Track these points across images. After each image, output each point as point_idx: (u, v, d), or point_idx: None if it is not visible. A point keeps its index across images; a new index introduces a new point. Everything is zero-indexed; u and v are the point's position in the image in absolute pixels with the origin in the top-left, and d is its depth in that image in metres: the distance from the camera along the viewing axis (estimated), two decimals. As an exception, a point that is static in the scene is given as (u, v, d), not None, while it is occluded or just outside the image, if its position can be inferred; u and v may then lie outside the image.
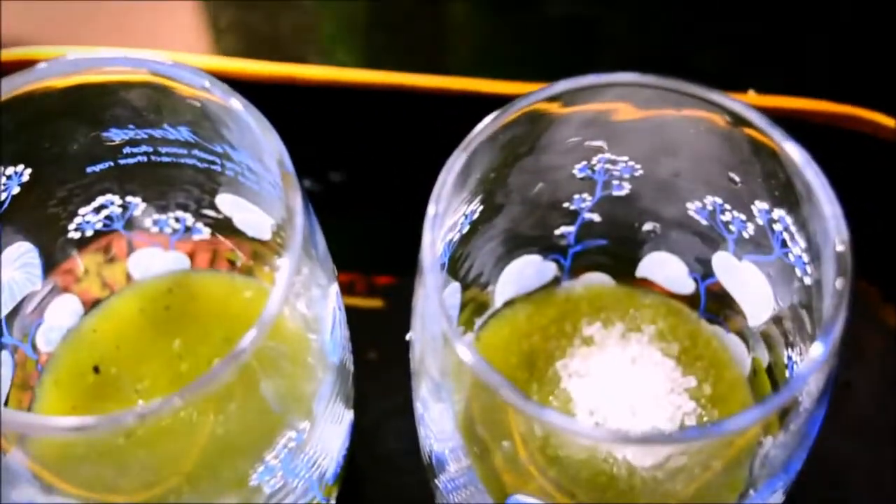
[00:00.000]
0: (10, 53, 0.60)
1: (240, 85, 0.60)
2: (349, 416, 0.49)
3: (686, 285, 0.52)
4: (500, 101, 0.59)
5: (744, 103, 0.43)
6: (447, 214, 0.43)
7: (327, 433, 0.47)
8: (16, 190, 0.47)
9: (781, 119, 0.49)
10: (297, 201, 0.42)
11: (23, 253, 0.50)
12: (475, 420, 0.43)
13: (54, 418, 0.41)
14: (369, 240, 0.62)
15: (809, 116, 0.58)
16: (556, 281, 0.53)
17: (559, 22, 0.65)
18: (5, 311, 0.50)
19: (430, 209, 0.42)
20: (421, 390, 0.45)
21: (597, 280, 0.53)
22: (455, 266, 0.48)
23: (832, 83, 0.60)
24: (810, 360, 0.39)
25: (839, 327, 0.40)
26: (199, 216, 0.52)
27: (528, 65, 0.65)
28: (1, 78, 0.60)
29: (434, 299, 0.41)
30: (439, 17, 0.68)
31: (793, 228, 0.44)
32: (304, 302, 0.43)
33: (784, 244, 0.45)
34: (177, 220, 0.52)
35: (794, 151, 0.43)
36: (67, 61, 0.44)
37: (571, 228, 0.51)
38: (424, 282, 0.42)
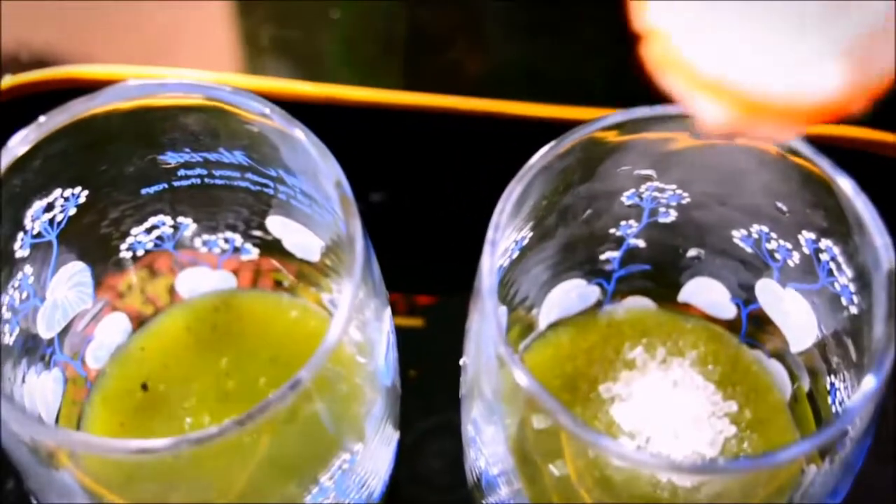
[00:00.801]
0: (56, 72, 0.61)
1: (280, 104, 0.61)
2: (396, 436, 0.50)
3: (728, 310, 0.53)
4: (538, 125, 0.60)
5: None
6: (502, 241, 0.44)
7: (377, 454, 0.48)
8: (72, 211, 0.48)
9: (823, 147, 0.50)
10: (357, 227, 0.43)
11: (76, 272, 0.50)
12: (528, 443, 0.44)
13: (114, 440, 0.42)
14: (410, 260, 0.62)
15: (848, 143, 0.58)
16: (598, 304, 0.54)
17: (601, 46, 0.66)
18: (58, 330, 0.51)
19: (489, 236, 0.43)
20: (473, 413, 0.46)
21: (639, 304, 0.54)
22: (503, 290, 0.49)
23: (874, 110, 0.61)
24: (862, 392, 0.40)
25: (891, 359, 0.40)
26: (247, 237, 0.53)
27: (567, 88, 0.65)
28: (43, 95, 0.61)
29: (491, 323, 0.42)
30: (476, 38, 0.69)
31: (840, 258, 0.45)
32: (360, 326, 0.43)
33: (830, 273, 0.46)
34: (226, 240, 0.53)
35: (843, 182, 0.43)
36: (128, 87, 0.45)
37: (616, 254, 0.52)
38: (482, 306, 0.42)
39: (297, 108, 0.61)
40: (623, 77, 0.66)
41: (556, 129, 0.59)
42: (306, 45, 0.68)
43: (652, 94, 0.60)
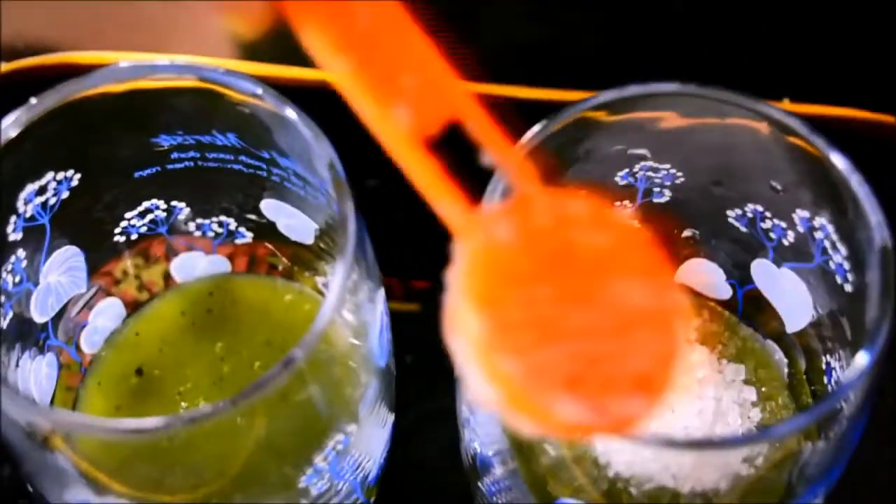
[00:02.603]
0: (50, 58, 0.61)
1: (276, 89, 0.61)
2: (391, 418, 0.50)
3: (724, 291, 0.53)
4: (533, 106, 0.60)
5: (787, 112, 0.44)
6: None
7: (372, 436, 0.47)
8: (65, 195, 0.48)
9: (817, 127, 0.50)
10: (350, 208, 0.42)
11: (69, 257, 0.50)
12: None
13: (109, 420, 0.42)
14: (406, 244, 0.62)
15: (845, 124, 0.58)
16: (594, 286, 0.54)
17: (595, 28, 0.66)
18: (51, 314, 0.50)
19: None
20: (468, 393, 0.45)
21: (635, 285, 0.54)
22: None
23: (868, 91, 0.61)
24: (855, 368, 0.40)
25: (884, 336, 0.40)
26: (242, 220, 0.53)
27: (564, 70, 0.65)
28: (38, 81, 0.60)
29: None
30: (476, 20, 0.69)
31: (834, 236, 0.45)
32: (353, 307, 0.43)
33: (825, 251, 0.46)
34: (220, 224, 0.53)
35: (838, 160, 0.43)
36: (119, 69, 0.44)
37: (611, 234, 0.51)
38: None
39: (292, 93, 0.61)
40: (615, 56, 0.66)
41: (554, 109, 0.59)
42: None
43: (644, 72, 0.60)
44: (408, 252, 0.62)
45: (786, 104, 0.59)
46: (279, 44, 0.66)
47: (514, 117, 0.59)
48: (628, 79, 0.60)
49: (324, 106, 0.61)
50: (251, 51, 0.66)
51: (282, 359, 0.39)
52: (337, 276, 0.41)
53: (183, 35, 0.67)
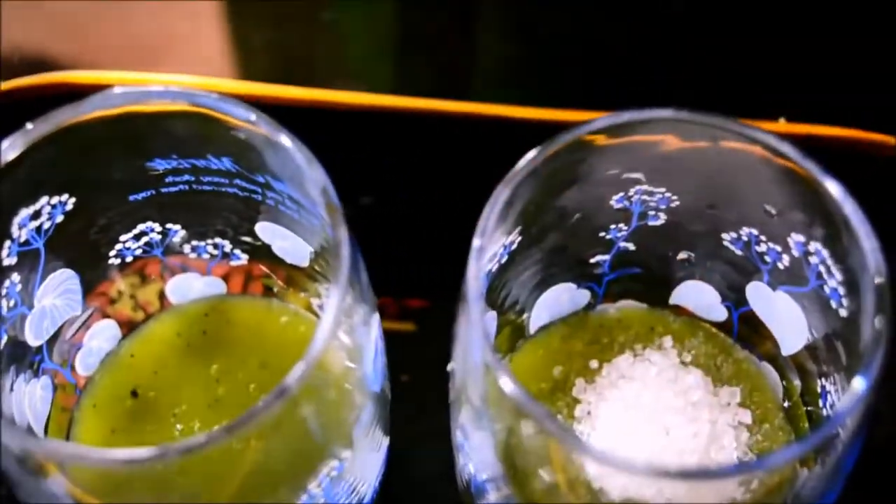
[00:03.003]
0: (47, 77, 0.61)
1: (271, 109, 0.61)
2: (386, 441, 0.50)
3: (719, 313, 0.53)
4: (528, 127, 0.60)
5: (781, 137, 0.44)
6: (489, 246, 0.43)
7: (367, 460, 0.47)
8: (59, 218, 0.48)
9: (812, 147, 0.50)
10: (343, 234, 0.42)
11: (64, 280, 0.50)
12: (516, 449, 0.44)
13: (102, 451, 0.41)
14: (400, 263, 0.62)
15: (840, 144, 0.58)
16: (589, 307, 0.54)
17: (590, 50, 0.66)
18: (46, 337, 0.50)
19: (475, 242, 0.42)
20: (461, 418, 0.45)
21: (630, 306, 0.54)
22: (492, 294, 0.49)
23: (864, 111, 0.61)
24: (851, 395, 0.40)
25: (879, 363, 0.40)
26: (237, 243, 0.53)
27: (559, 89, 0.65)
28: (35, 100, 0.60)
29: (478, 330, 0.42)
30: (469, 39, 0.69)
31: (829, 262, 0.45)
32: (347, 332, 0.43)
33: (819, 276, 0.46)
34: (215, 246, 0.53)
35: (831, 186, 0.43)
36: (114, 94, 0.44)
37: (606, 257, 0.51)
38: (468, 312, 0.42)
39: (287, 113, 0.61)
40: (613, 79, 0.66)
41: (548, 130, 0.59)
42: (298, 47, 0.67)
43: (641, 96, 0.60)
44: (403, 271, 0.62)
45: (781, 124, 0.59)
46: (274, 63, 0.66)
47: (509, 137, 0.59)
48: (625, 100, 0.60)
49: (318, 125, 0.62)
50: (246, 70, 0.66)
51: (275, 387, 0.39)
52: (331, 302, 0.41)
53: (178, 51, 0.67)
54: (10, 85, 0.60)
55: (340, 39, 0.67)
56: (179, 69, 0.66)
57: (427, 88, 0.64)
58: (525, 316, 0.52)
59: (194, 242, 0.53)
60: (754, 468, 0.39)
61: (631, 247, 0.51)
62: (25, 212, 0.46)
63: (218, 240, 0.53)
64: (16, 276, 0.47)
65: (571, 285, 0.52)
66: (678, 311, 0.54)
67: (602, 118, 0.44)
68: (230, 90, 0.60)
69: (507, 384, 0.40)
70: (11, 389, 0.48)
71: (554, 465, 0.43)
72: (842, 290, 0.45)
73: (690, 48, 0.65)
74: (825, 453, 0.41)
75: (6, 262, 0.46)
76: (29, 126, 0.44)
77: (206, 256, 0.53)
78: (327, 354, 0.42)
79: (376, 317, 0.46)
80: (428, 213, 0.63)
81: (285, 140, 0.44)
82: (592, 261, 0.52)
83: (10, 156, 0.44)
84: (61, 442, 0.50)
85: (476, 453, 0.45)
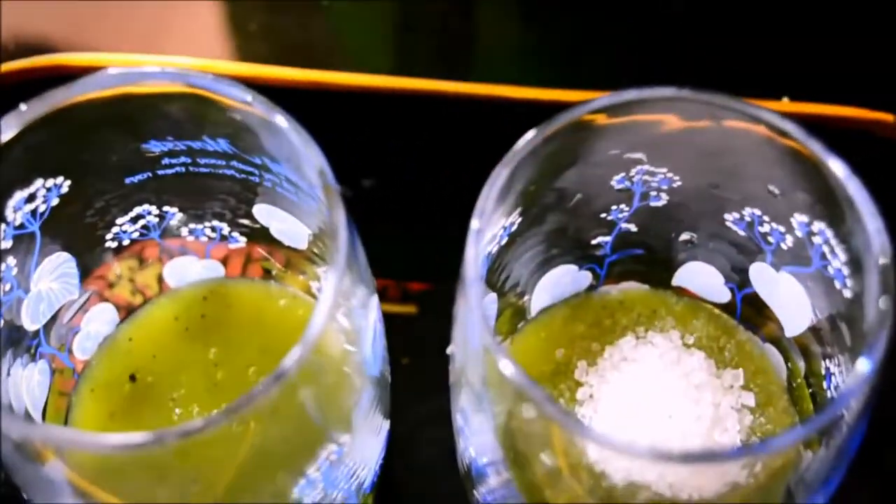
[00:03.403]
0: (42, 60, 0.60)
1: (270, 91, 0.60)
2: (386, 425, 0.50)
3: (722, 294, 0.52)
4: (528, 108, 0.60)
5: (784, 116, 0.43)
6: (488, 228, 0.43)
7: (366, 444, 0.47)
8: (55, 202, 0.47)
9: (816, 126, 0.49)
10: (341, 216, 0.42)
11: (60, 263, 0.50)
12: (516, 432, 0.43)
13: (99, 435, 0.41)
14: (402, 246, 0.62)
15: (844, 123, 0.58)
16: (591, 289, 0.54)
17: (592, 29, 0.65)
18: (43, 321, 0.50)
19: (474, 224, 0.42)
20: (461, 402, 0.45)
21: (633, 287, 0.53)
22: (492, 276, 0.49)
23: (867, 90, 0.60)
24: (855, 377, 0.39)
25: (883, 344, 0.40)
26: (235, 225, 0.52)
27: (559, 70, 0.64)
28: (30, 82, 0.60)
29: (476, 313, 0.41)
30: (469, 21, 0.68)
31: (833, 241, 0.44)
32: (345, 316, 0.43)
33: (823, 256, 0.45)
34: (213, 229, 0.52)
35: (835, 165, 0.43)
36: (108, 75, 0.44)
37: (608, 238, 0.51)
38: (467, 295, 0.42)
39: (287, 95, 0.60)
40: (615, 58, 0.65)
41: (550, 111, 0.59)
42: (296, 30, 0.67)
43: (643, 74, 0.60)
44: (404, 253, 0.62)
45: (784, 103, 0.59)
46: (272, 44, 0.66)
47: (510, 118, 0.59)
48: (626, 79, 0.59)
49: (318, 106, 0.61)
50: (244, 54, 0.66)
51: (273, 371, 0.39)
52: (328, 286, 0.41)
53: (175, 34, 0.66)
54: (4, 68, 0.60)
55: (339, 22, 0.67)
56: (176, 53, 0.65)
57: (427, 70, 0.63)
58: (526, 298, 0.52)
59: (192, 225, 0.52)
60: (757, 451, 0.39)
61: (633, 228, 0.51)
62: (20, 195, 0.46)
63: (216, 222, 0.52)
64: (11, 260, 0.47)
65: (573, 267, 0.52)
66: (681, 292, 0.53)
67: (602, 97, 0.43)
68: (227, 72, 0.60)
69: (506, 367, 0.40)
70: (9, 374, 0.48)
71: (555, 449, 0.43)
72: (846, 271, 0.44)
73: (692, 26, 0.64)
74: (829, 436, 0.41)
75: (1, 246, 0.46)
76: (23, 107, 0.44)
77: (203, 239, 0.53)
78: (325, 338, 0.41)
79: (375, 299, 0.46)
80: (429, 195, 0.63)
81: (281, 121, 0.43)
82: (594, 242, 0.51)
83: (4, 138, 0.43)
84: (58, 427, 0.50)
85: (476, 437, 0.44)
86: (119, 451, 0.39)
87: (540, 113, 0.58)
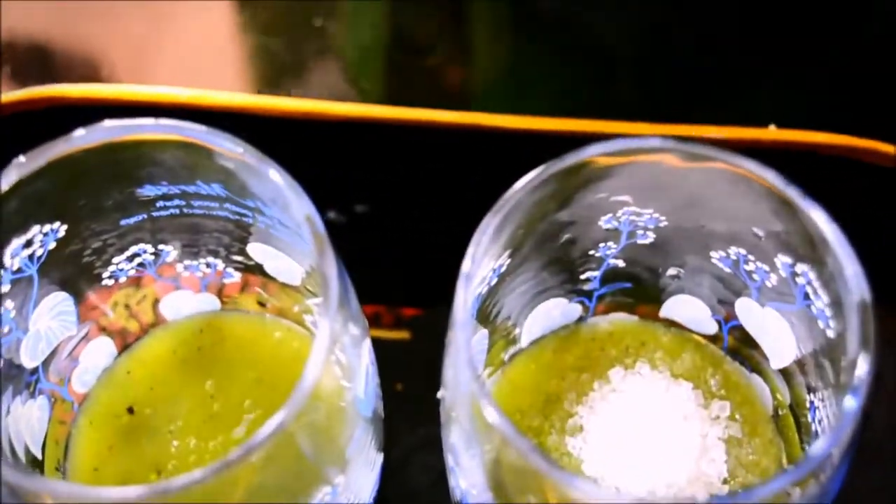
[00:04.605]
0: (39, 91, 0.61)
1: (264, 120, 0.61)
2: (380, 458, 0.50)
3: (709, 326, 0.53)
4: (521, 136, 0.61)
5: (764, 165, 0.44)
6: (478, 272, 0.44)
7: (360, 481, 0.48)
8: (52, 245, 0.48)
9: (801, 153, 0.50)
10: (332, 266, 0.43)
11: (58, 302, 0.51)
12: (504, 475, 0.44)
13: (93, 489, 0.42)
14: (394, 271, 0.62)
15: (829, 150, 0.58)
16: (580, 320, 0.54)
17: (581, 53, 0.66)
18: (42, 359, 0.51)
19: (464, 268, 0.43)
20: (451, 440, 0.46)
21: (621, 318, 0.54)
22: (484, 310, 0.49)
23: (852, 117, 0.61)
24: (841, 420, 0.40)
25: (865, 388, 0.41)
26: (229, 262, 0.53)
27: (545, 95, 0.65)
28: (26, 113, 0.61)
29: (464, 356, 0.42)
30: (461, 45, 0.69)
31: (815, 283, 0.45)
32: (339, 360, 0.44)
33: (807, 296, 0.46)
34: (208, 265, 0.53)
35: (814, 212, 0.43)
36: (105, 128, 0.45)
37: (596, 273, 0.52)
38: (456, 339, 0.43)
39: (279, 122, 0.61)
40: (607, 85, 0.66)
41: (540, 140, 0.60)
42: (289, 52, 0.68)
43: (631, 102, 0.60)
44: (397, 279, 0.62)
45: (771, 130, 0.59)
46: (266, 69, 0.67)
47: (501, 146, 0.59)
48: (616, 106, 0.60)
49: (310, 134, 0.62)
50: (237, 75, 0.67)
51: (267, 422, 0.40)
52: (321, 333, 0.42)
53: (171, 55, 0.67)
54: (5, 99, 0.60)
55: (332, 45, 0.67)
56: (171, 73, 0.66)
57: (419, 94, 0.64)
58: (517, 330, 0.53)
59: (187, 262, 0.53)
60: (745, 500, 0.40)
61: (621, 263, 0.51)
62: (17, 241, 0.46)
63: (210, 259, 0.53)
64: (9, 303, 0.48)
65: (563, 300, 0.53)
66: (668, 324, 0.54)
67: (591, 147, 0.44)
68: (223, 103, 0.60)
69: (492, 416, 0.41)
70: (8, 412, 0.49)
71: (543, 494, 0.43)
72: (829, 312, 0.45)
73: (682, 54, 0.65)
74: (817, 474, 0.42)
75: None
76: (21, 159, 0.44)
77: (199, 275, 0.54)
78: (320, 384, 0.42)
79: (367, 343, 0.47)
80: (422, 220, 0.64)
81: (272, 173, 0.44)
82: (583, 277, 0.52)
83: (2, 188, 0.44)
84: (50, 480, 0.50)
85: (466, 476, 0.45)
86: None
87: (531, 142, 0.59)
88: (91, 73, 0.66)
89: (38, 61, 0.67)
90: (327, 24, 0.67)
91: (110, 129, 0.45)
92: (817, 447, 0.40)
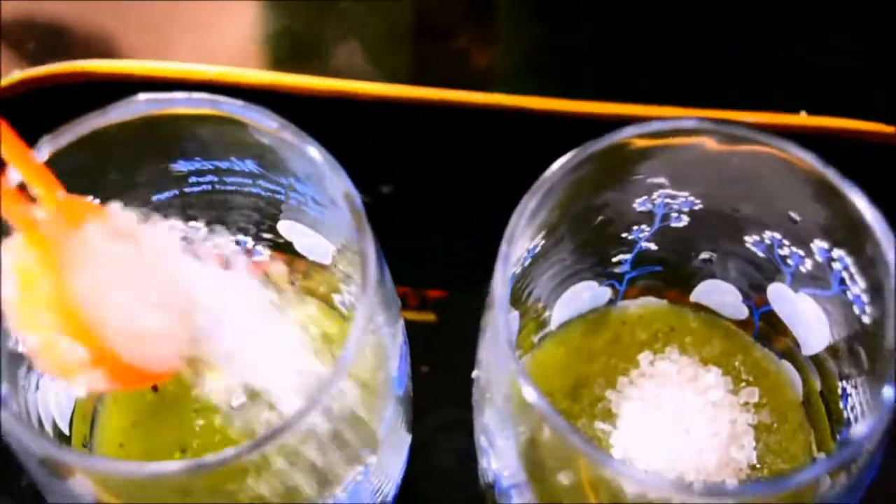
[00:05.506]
0: (63, 67, 0.61)
1: (290, 98, 0.61)
2: (409, 439, 0.50)
3: (740, 311, 0.53)
4: (547, 118, 0.60)
5: (805, 149, 0.44)
6: (514, 252, 0.44)
7: (391, 461, 0.48)
8: (83, 220, 0.47)
9: (833, 140, 0.50)
10: (370, 244, 0.42)
11: (88, 277, 0.50)
12: (540, 456, 0.44)
13: (128, 464, 0.42)
14: (421, 253, 0.62)
15: (861, 137, 0.58)
16: (610, 303, 0.54)
17: (612, 37, 0.66)
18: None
19: (502, 248, 0.43)
20: (485, 421, 0.46)
21: (651, 302, 0.54)
22: (516, 293, 0.49)
23: (885, 104, 0.60)
24: (880, 408, 0.40)
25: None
26: (259, 239, 0.53)
27: (574, 78, 0.65)
28: (51, 89, 0.60)
29: (503, 336, 0.42)
30: (488, 27, 0.68)
31: (853, 269, 0.45)
32: (374, 340, 0.43)
33: (843, 282, 0.46)
34: (237, 242, 0.53)
35: (855, 195, 0.43)
36: (139, 102, 0.44)
37: (628, 256, 0.52)
38: (494, 319, 0.42)
39: (304, 101, 0.61)
40: (634, 69, 0.66)
41: (567, 122, 0.59)
42: (314, 33, 0.67)
43: (662, 86, 0.60)
44: (423, 260, 0.62)
45: (802, 117, 0.59)
46: (291, 49, 0.66)
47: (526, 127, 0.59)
48: (645, 90, 0.60)
49: (337, 113, 0.62)
50: (262, 56, 0.66)
51: (301, 406, 0.40)
52: (360, 311, 0.41)
53: (196, 36, 0.67)
54: (28, 74, 0.60)
55: (357, 27, 0.67)
56: (195, 53, 0.65)
57: (445, 75, 0.64)
58: (547, 313, 0.53)
59: (216, 239, 0.53)
60: (776, 488, 0.40)
61: (653, 246, 0.51)
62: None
63: (240, 236, 0.53)
64: (41, 277, 0.47)
65: (593, 283, 0.53)
66: (699, 308, 0.54)
67: (628, 129, 0.44)
68: (248, 79, 0.60)
69: (530, 395, 0.41)
70: (37, 388, 0.49)
71: (577, 473, 0.43)
72: (865, 298, 0.45)
73: (713, 39, 0.65)
74: (849, 465, 0.42)
75: (32, 264, 0.46)
76: (56, 132, 0.44)
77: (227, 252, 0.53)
78: (356, 362, 0.42)
79: (401, 323, 0.46)
80: (448, 202, 0.63)
81: (310, 149, 0.44)
82: (614, 259, 0.52)
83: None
84: (82, 453, 0.50)
85: (500, 459, 0.45)
86: (148, 479, 0.40)
87: (558, 123, 0.58)
88: (112, 51, 0.66)
89: (57, 38, 0.66)
90: (353, 5, 0.67)
91: (147, 103, 0.44)
92: (856, 434, 0.40)
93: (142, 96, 0.44)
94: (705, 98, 0.59)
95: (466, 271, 0.62)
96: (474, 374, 0.46)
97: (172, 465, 0.39)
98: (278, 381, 0.46)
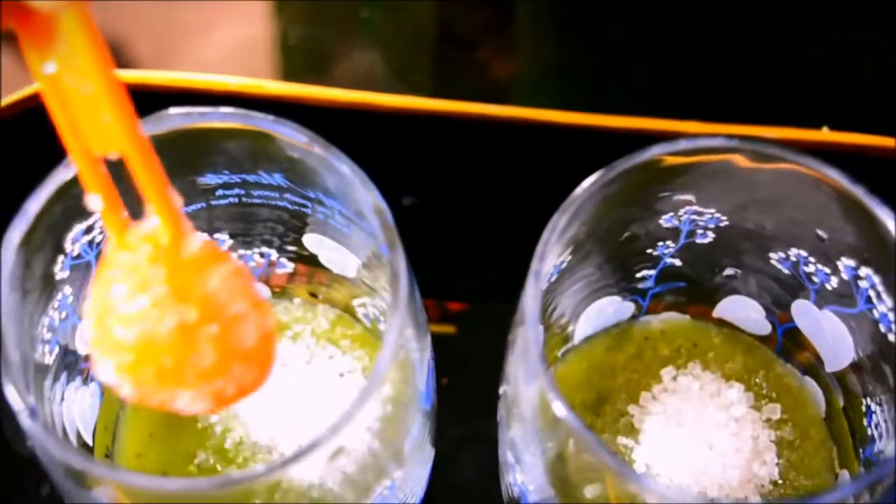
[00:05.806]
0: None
1: (312, 109, 0.61)
2: (433, 453, 0.50)
3: (763, 327, 0.53)
4: (569, 131, 0.60)
5: (832, 166, 0.44)
6: (545, 268, 0.44)
7: (416, 475, 0.48)
8: (110, 233, 0.48)
9: (855, 156, 0.50)
10: (401, 259, 0.43)
11: (114, 288, 0.50)
12: (567, 471, 0.44)
13: (159, 479, 0.42)
14: (442, 265, 0.62)
15: (883, 153, 0.58)
16: (633, 318, 0.54)
17: (635, 50, 0.66)
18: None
19: (534, 265, 0.43)
20: (511, 436, 0.46)
21: (674, 317, 0.54)
22: (541, 311, 0.49)
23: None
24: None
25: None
26: (283, 252, 0.53)
27: (595, 91, 0.65)
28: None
29: (534, 351, 0.42)
30: (508, 39, 0.69)
31: (880, 287, 0.45)
32: (403, 357, 0.43)
33: (869, 300, 0.46)
34: (261, 255, 0.53)
35: (884, 213, 0.43)
36: (170, 116, 0.45)
37: (652, 272, 0.52)
38: (525, 335, 0.43)
39: (326, 113, 0.61)
40: (655, 83, 0.66)
41: (585, 135, 0.59)
42: (336, 44, 0.67)
43: (685, 101, 0.60)
44: (444, 273, 0.62)
45: (824, 133, 0.59)
46: (311, 60, 0.66)
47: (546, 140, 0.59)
48: (667, 105, 0.60)
49: (358, 124, 0.62)
50: (283, 67, 0.66)
51: (333, 421, 0.40)
52: (391, 327, 0.41)
53: (217, 46, 0.67)
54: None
55: (378, 37, 0.67)
56: (217, 64, 0.66)
57: (466, 87, 0.64)
58: (571, 328, 0.53)
59: (241, 251, 0.53)
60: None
61: (677, 262, 0.51)
62: (79, 227, 0.46)
63: (265, 249, 0.53)
64: (68, 289, 0.47)
65: (617, 298, 0.53)
66: (721, 324, 0.54)
67: (656, 147, 0.44)
68: (271, 92, 0.60)
69: (560, 411, 0.41)
70: (62, 399, 0.49)
71: (606, 488, 0.43)
72: (892, 316, 0.45)
73: (735, 53, 0.65)
74: (873, 489, 0.42)
75: (59, 277, 0.47)
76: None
77: (252, 264, 0.53)
78: (388, 376, 0.42)
79: (428, 339, 0.46)
80: (469, 213, 0.63)
81: (342, 166, 0.44)
82: (638, 275, 0.52)
83: (67, 176, 0.44)
84: (109, 467, 0.50)
85: (527, 475, 0.45)
86: (179, 495, 0.40)
87: (579, 137, 0.58)
88: (133, 62, 0.66)
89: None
90: (373, 15, 0.67)
91: (178, 117, 0.45)
92: (884, 455, 0.40)
93: (173, 110, 0.44)
94: (727, 112, 0.59)
95: (488, 284, 0.62)
96: (501, 389, 0.46)
97: (203, 482, 0.39)
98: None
